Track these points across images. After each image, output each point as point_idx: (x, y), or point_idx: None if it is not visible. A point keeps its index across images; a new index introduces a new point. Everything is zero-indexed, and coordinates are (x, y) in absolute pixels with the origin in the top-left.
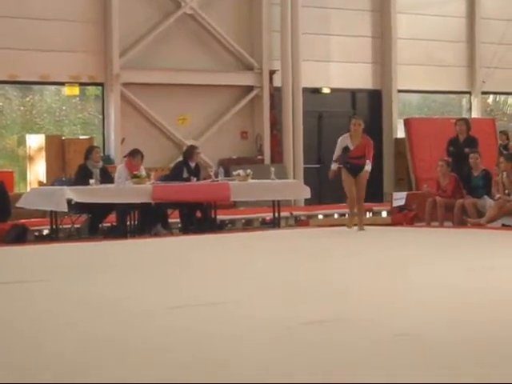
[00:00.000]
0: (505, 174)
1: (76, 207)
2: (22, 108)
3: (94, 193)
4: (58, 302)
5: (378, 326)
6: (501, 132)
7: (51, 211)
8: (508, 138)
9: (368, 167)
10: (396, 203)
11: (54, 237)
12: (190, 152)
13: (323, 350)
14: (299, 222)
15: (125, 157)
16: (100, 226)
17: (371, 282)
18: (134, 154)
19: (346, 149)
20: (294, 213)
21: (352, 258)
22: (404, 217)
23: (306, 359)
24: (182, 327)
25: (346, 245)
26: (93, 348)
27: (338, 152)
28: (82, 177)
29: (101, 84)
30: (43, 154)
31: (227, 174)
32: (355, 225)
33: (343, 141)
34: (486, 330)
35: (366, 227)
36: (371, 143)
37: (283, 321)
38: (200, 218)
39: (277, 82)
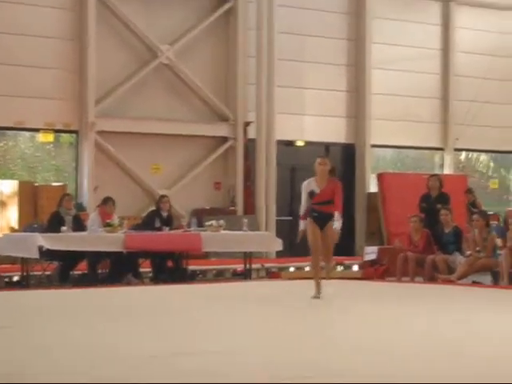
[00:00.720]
0: (477, 230)
1: (47, 254)
2: None
3: (66, 240)
4: (24, 349)
5: (351, 379)
6: (467, 190)
7: (22, 257)
8: (474, 196)
9: (338, 224)
10: (367, 257)
11: (24, 283)
12: (159, 201)
13: None
14: (270, 274)
15: (98, 206)
16: (71, 273)
17: (344, 335)
18: (106, 201)
19: (311, 194)
20: (266, 265)
21: (324, 311)
22: (375, 271)
23: None
24: (158, 376)
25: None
26: None
27: (304, 202)
28: (55, 224)
29: (75, 131)
30: (16, 199)
31: (200, 224)
32: (323, 278)
33: (309, 185)
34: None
35: (334, 281)
36: (340, 186)
37: (258, 373)
38: (171, 268)
39: (251, 134)
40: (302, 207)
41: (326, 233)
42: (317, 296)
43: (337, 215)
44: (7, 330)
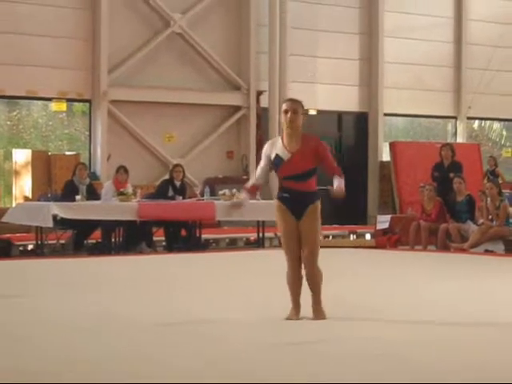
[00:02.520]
0: (489, 199)
1: (61, 223)
2: (8, 122)
3: (80, 209)
4: (39, 317)
5: (360, 346)
6: (490, 157)
7: (36, 226)
8: (496, 164)
9: (339, 184)
10: (380, 226)
11: (38, 252)
12: (172, 170)
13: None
14: None
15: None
16: (85, 242)
17: (356, 303)
18: (118, 170)
19: (277, 161)
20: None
21: (337, 279)
22: (388, 240)
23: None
24: (170, 343)
25: (331, 266)
26: (79, 361)
27: (259, 172)
28: (69, 193)
29: (88, 101)
30: (29, 168)
31: (213, 193)
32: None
33: (271, 147)
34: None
35: (350, 250)
36: (324, 147)
37: (269, 340)
38: (185, 237)
39: (264, 103)
40: (254, 178)
41: (304, 227)
42: (292, 318)
43: (336, 178)
44: (17, 299)
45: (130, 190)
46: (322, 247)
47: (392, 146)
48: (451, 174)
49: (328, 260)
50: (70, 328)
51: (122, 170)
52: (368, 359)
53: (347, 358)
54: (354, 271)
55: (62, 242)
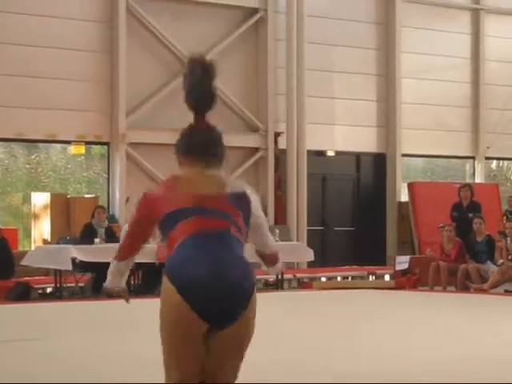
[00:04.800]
0: (509, 239)
1: (80, 266)
2: (27, 166)
3: (99, 252)
4: (60, 360)
5: None
6: (510, 197)
7: (55, 269)
8: None
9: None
10: (399, 267)
11: (57, 295)
12: None
13: None
14: (302, 285)
15: None
16: (104, 285)
17: (376, 346)
18: None
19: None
20: (298, 275)
21: (356, 322)
22: (407, 281)
23: None
24: None
25: (350, 309)
26: None
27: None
28: (87, 236)
29: (106, 143)
30: (48, 211)
31: None
32: None
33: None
34: None
35: (368, 291)
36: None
37: None
38: None
39: (282, 144)
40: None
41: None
42: None
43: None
44: (35, 342)
45: None
46: (341, 289)
47: (410, 186)
48: (470, 215)
49: (347, 302)
50: (89, 372)
51: None
52: None
53: None
54: (372, 314)
55: (81, 284)
